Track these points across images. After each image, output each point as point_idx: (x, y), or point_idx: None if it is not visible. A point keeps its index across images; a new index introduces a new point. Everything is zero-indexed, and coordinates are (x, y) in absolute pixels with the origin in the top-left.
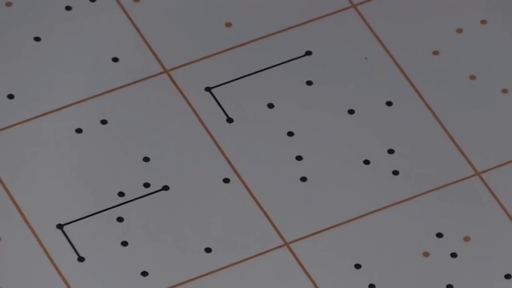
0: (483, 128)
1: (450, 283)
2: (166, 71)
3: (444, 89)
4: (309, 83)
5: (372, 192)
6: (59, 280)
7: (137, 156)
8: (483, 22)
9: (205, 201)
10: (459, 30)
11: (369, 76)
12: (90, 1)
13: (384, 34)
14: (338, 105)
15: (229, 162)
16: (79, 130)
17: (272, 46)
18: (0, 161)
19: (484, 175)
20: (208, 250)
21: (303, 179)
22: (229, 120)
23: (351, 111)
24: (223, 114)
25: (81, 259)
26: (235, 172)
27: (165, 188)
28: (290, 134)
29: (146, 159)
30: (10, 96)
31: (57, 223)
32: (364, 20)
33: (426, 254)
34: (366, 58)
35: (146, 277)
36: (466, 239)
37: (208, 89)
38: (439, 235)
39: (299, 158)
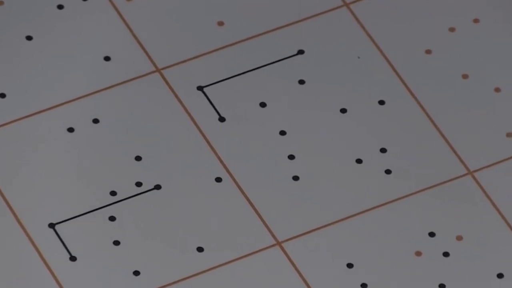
0: (476, 127)
1: (443, 282)
2: (158, 70)
3: (437, 88)
4: (301, 82)
5: (364, 191)
6: (51, 279)
7: (129, 155)
8: (476, 21)
9: (197, 201)
10: (452, 29)
11: (361, 75)
12: (82, 0)
13: (376, 33)
14: (330, 104)
15: (221, 161)
16: (71, 129)
17: (265, 45)
18: None
19: (476, 174)
20: (200, 249)
21: (296, 178)
22: (221, 119)
23: (343, 110)
24: (215, 113)
25: (73, 258)
26: (227, 171)
27: (157, 187)
28: (283, 133)
29: (138, 158)
30: (2, 95)
31: (49, 222)
32: (357, 19)
33: (418, 254)
34: (358, 57)
35: (138, 276)
36: (459, 238)
37: (200, 88)
38: (432, 234)
39: (291, 157)
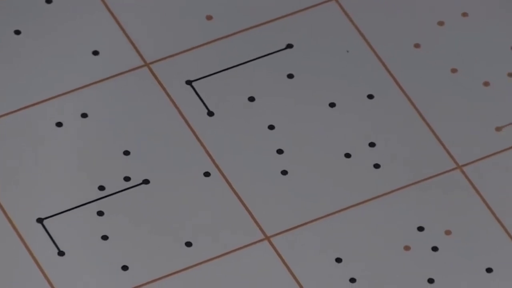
0: (465, 121)
1: (431, 276)
2: (146, 64)
3: (426, 82)
4: (290, 76)
5: (353, 186)
6: (39, 274)
7: (118, 149)
8: (464, 14)
9: (185, 195)
10: (441, 23)
11: (350, 69)
12: None
13: (365, 27)
14: (319, 98)
15: (210, 156)
16: (59, 124)
17: (253, 39)
18: None
19: (465, 168)
20: (188, 244)
21: (284, 172)
22: (210, 114)
23: (332, 104)
24: (204, 108)
25: (61, 253)
26: (216, 165)
27: (146, 182)
28: (271, 127)
29: (127, 153)
30: None
31: (38, 217)
32: (346, 13)
33: (407, 248)
34: (347, 51)
35: (127, 271)
36: (447, 232)
37: (188, 82)
38: (420, 228)
39: (280, 151)
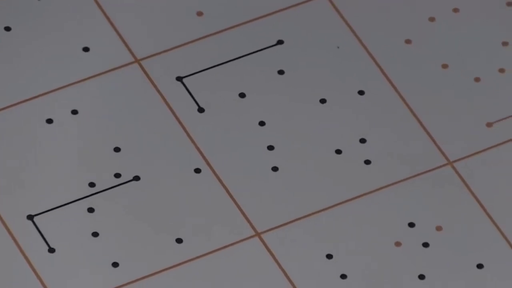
0: (456, 117)
1: (422, 273)
2: (137, 60)
3: (417, 78)
4: (280, 72)
5: (343, 182)
6: (29, 270)
7: (108, 146)
8: (455, 10)
9: (176, 192)
10: (432, 19)
11: (341, 65)
12: None
13: (356, 23)
14: (310, 94)
15: (201, 152)
16: (49, 121)
17: (244, 35)
18: None
19: (456, 164)
20: (179, 240)
21: (275, 169)
22: (200, 110)
23: (323, 101)
24: (194, 104)
25: (51, 250)
26: (206, 162)
27: (136, 178)
28: (262, 123)
29: (117, 149)
30: None
31: (28, 213)
32: (336, 9)
33: (398, 244)
34: (338, 47)
35: (117, 268)
36: (438, 228)
37: (179, 78)
38: (411, 224)
39: (270, 148)
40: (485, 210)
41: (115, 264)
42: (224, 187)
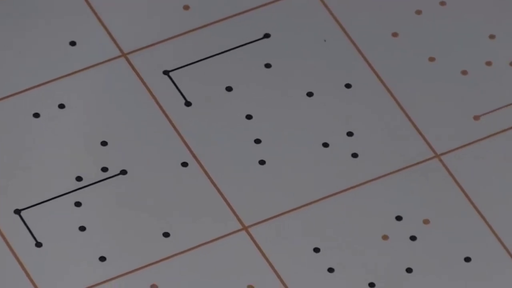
0: (443, 110)
1: (410, 266)
2: (123, 54)
3: (404, 71)
4: (267, 66)
5: (330, 175)
6: (16, 265)
7: (95, 140)
8: (442, 3)
9: (163, 185)
10: (418, 12)
11: (328, 58)
12: None
13: (342, 16)
14: (296, 88)
15: (187, 146)
16: (36, 115)
17: (230, 29)
18: None
19: (443, 157)
20: (166, 234)
21: (262, 162)
22: (187, 104)
23: (309, 94)
24: (181, 98)
25: (38, 244)
26: (193, 156)
27: (123, 172)
28: (249, 117)
29: (104, 143)
30: None
31: (15, 208)
32: (323, 2)
33: (385, 237)
34: (324, 41)
35: (104, 262)
36: (426, 222)
37: (166, 72)
38: (399, 218)
39: (257, 141)
40: (472, 203)
41: (102, 258)
42: (211, 181)
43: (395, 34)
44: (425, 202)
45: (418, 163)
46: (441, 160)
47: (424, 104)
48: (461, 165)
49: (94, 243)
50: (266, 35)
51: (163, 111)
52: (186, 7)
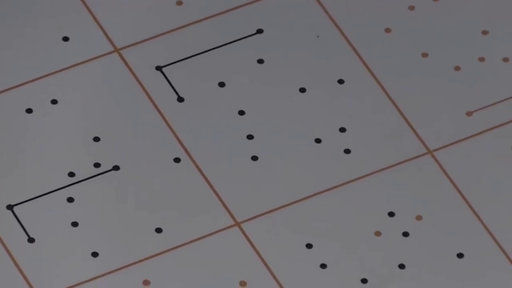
0: (435, 106)
1: (402, 262)
2: (116, 50)
3: (397, 67)
4: (260, 61)
5: (323, 171)
6: (9, 261)
7: (88, 136)
8: None
9: (155, 181)
10: (411, 7)
11: (320, 54)
12: None
13: (336, 12)
14: (289, 83)
15: (180, 142)
16: (29, 110)
17: (223, 24)
18: None
19: (436, 153)
20: (158, 230)
21: (254, 158)
22: (180, 99)
23: (302, 90)
24: (174, 93)
25: (31, 239)
26: (186, 151)
27: (116, 168)
28: (241, 113)
29: (97, 139)
30: None
31: (7, 203)
32: None
33: (377, 234)
34: (317, 36)
35: (97, 257)
36: (418, 218)
37: (158, 68)
38: (391, 214)
39: (250, 137)
40: (465, 199)
41: (94, 254)
42: (203, 177)
43: (388, 30)
44: (418, 198)
45: (410, 159)
46: (433, 156)
47: (417, 100)
48: (454, 161)
49: (87, 239)
50: (259, 31)
51: (156, 107)
52: (179, 3)
